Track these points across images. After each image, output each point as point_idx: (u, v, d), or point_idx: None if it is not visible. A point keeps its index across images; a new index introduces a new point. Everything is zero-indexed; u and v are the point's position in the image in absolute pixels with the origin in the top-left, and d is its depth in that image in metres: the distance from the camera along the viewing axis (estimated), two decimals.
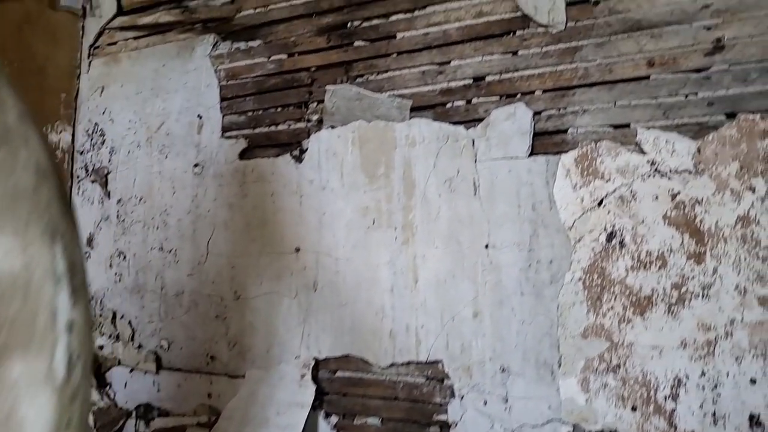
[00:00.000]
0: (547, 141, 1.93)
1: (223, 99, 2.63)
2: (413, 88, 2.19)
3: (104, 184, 2.90)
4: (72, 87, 3.04)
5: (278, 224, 2.37)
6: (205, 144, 2.63)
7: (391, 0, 2.28)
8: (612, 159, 1.79)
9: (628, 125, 1.82)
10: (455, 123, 2.08)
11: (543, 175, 1.88)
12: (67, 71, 3.02)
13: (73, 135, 3.03)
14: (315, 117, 2.36)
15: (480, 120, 2.04)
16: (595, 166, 1.81)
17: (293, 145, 2.43)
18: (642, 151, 1.76)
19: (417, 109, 2.17)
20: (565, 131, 1.91)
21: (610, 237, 1.77)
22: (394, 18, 2.27)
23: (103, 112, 2.96)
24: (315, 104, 2.41)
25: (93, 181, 2.94)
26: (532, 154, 1.93)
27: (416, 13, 2.23)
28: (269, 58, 2.54)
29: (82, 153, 3.00)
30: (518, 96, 2.00)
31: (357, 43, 2.34)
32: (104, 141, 2.94)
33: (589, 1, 1.90)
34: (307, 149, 2.35)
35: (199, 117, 2.67)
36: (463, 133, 2.03)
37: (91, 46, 3.06)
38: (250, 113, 2.56)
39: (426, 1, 2.20)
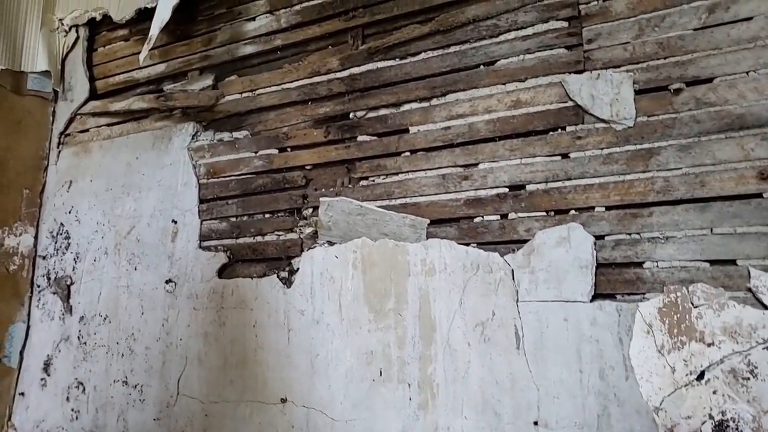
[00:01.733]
0: (615, 277, 1.42)
1: (202, 201, 2.19)
2: (430, 195, 1.72)
3: (66, 297, 2.45)
4: (36, 182, 2.64)
5: (261, 364, 1.87)
6: (179, 255, 2.18)
7: (402, 86, 1.84)
8: (715, 313, 1.27)
9: (734, 262, 1.30)
10: (486, 245, 1.59)
11: (613, 329, 1.36)
12: (32, 164, 2.64)
13: (36, 236, 2.61)
14: (309, 230, 1.89)
15: (520, 243, 1.54)
16: (690, 321, 1.29)
17: (282, 262, 1.96)
18: (762, 304, 1.23)
19: (435, 223, 1.69)
20: (641, 264, 1.40)
21: (721, 429, 1.22)
22: (406, 107, 1.83)
23: (69, 211, 2.55)
24: (310, 211, 1.95)
25: (54, 293, 2.49)
26: (596, 296, 1.42)
27: (434, 101, 1.78)
28: (257, 152, 2.11)
29: (44, 258, 2.57)
30: (572, 213, 1.50)
31: (361, 138, 1.89)
32: (69, 245, 2.51)
33: (668, 89, 1.43)
34: (297, 270, 1.87)
35: (174, 222, 2.22)
36: (499, 262, 1.53)
37: (61, 133, 2.68)
38: (233, 219, 2.11)
39: (446, 87, 1.75)
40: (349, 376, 1.70)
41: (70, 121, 2.67)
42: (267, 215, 2.05)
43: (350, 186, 1.88)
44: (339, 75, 1.98)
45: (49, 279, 2.54)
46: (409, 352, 1.61)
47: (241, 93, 2.21)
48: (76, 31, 2.72)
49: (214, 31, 2.33)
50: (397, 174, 1.80)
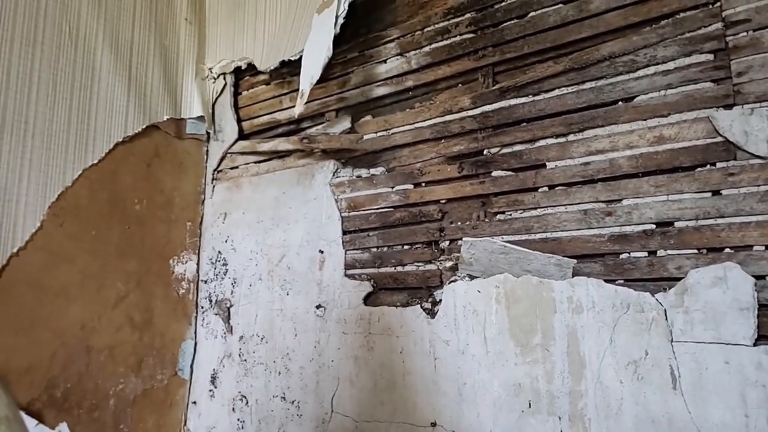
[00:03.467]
0: None
1: (345, 232, 2.32)
2: (572, 230, 1.71)
3: (227, 319, 2.69)
4: (197, 215, 2.92)
5: (409, 389, 1.96)
6: (327, 283, 2.32)
7: (537, 122, 1.84)
8: None
9: None
10: (635, 282, 1.56)
11: None
12: (192, 199, 2.91)
13: (198, 263, 2.89)
14: (448, 263, 1.94)
15: (670, 281, 1.50)
16: None
17: (422, 291, 2.03)
18: None
19: (579, 258, 1.68)
20: None
21: None
22: (542, 143, 1.82)
23: (226, 240, 2.79)
24: (447, 243, 2.00)
25: (216, 314, 2.74)
26: (760, 339, 1.35)
27: (571, 137, 1.76)
28: (393, 188, 2.20)
29: (206, 282, 2.84)
30: (726, 251, 1.44)
31: (496, 173, 1.92)
32: (227, 271, 2.75)
33: None
34: (440, 302, 1.94)
35: (321, 252, 2.37)
36: (650, 302, 1.50)
37: (214, 170, 2.94)
38: (374, 250, 2.22)
39: (584, 124, 1.73)
40: (497, 405, 1.74)
41: (222, 159, 2.92)
42: (406, 247, 2.13)
43: (486, 220, 1.91)
44: (471, 113, 2.02)
45: (210, 301, 2.79)
46: (558, 386, 1.62)
47: (376, 132, 2.30)
48: (224, 78, 2.96)
49: (348, 74, 2.44)
50: (535, 209, 1.80)
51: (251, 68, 2.80)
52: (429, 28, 2.20)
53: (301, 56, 2.33)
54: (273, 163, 2.68)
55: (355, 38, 2.44)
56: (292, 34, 2.46)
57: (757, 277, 1.37)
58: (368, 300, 2.17)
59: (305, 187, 2.49)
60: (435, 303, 1.95)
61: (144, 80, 2.74)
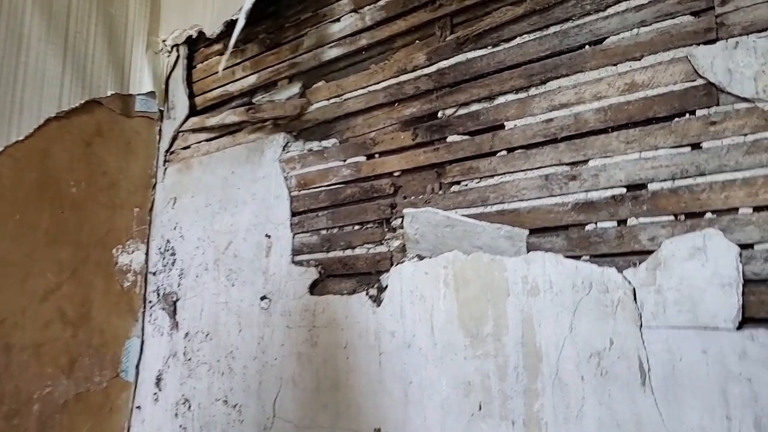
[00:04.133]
0: None
1: (293, 213, 2.14)
2: (532, 200, 1.51)
3: (172, 314, 2.53)
4: (146, 200, 2.77)
5: (353, 390, 1.77)
6: (273, 271, 2.15)
7: (496, 76, 1.65)
8: None
9: None
10: (601, 258, 1.36)
11: None
12: (142, 183, 2.77)
13: (147, 253, 2.73)
14: (397, 243, 1.76)
15: (643, 254, 1.30)
16: None
17: (372, 276, 1.85)
18: None
19: (539, 232, 1.48)
20: None
21: None
22: (501, 100, 1.63)
23: (175, 228, 2.64)
24: (399, 221, 1.82)
25: (162, 309, 2.59)
26: (745, 322, 1.14)
27: (532, 91, 1.57)
28: (345, 161, 2.02)
29: (155, 274, 2.68)
30: (707, 217, 1.24)
31: (451, 138, 1.73)
32: (175, 261, 2.59)
33: None
34: (386, 287, 1.75)
35: (268, 236, 2.20)
36: (617, 279, 1.29)
37: (166, 151, 2.79)
38: (323, 232, 2.04)
39: (546, 74, 1.54)
40: (445, 408, 1.54)
41: (174, 138, 2.77)
42: (356, 227, 1.95)
43: (441, 192, 1.72)
44: (426, 71, 1.83)
45: (158, 295, 2.64)
46: (511, 384, 1.42)
47: (328, 99, 2.13)
48: (177, 51, 2.81)
49: (301, 36, 2.28)
50: (492, 177, 1.61)
51: (204, 38, 2.65)
52: None
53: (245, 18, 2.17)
54: (224, 140, 2.52)
55: None
56: None
57: (743, 246, 1.17)
58: (314, 289, 2.00)
59: (254, 165, 2.33)
60: (381, 289, 1.77)
61: (84, 51, 2.60)
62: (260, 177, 2.30)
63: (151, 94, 2.80)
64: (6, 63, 2.36)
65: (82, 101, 2.58)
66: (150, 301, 2.67)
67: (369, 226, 1.90)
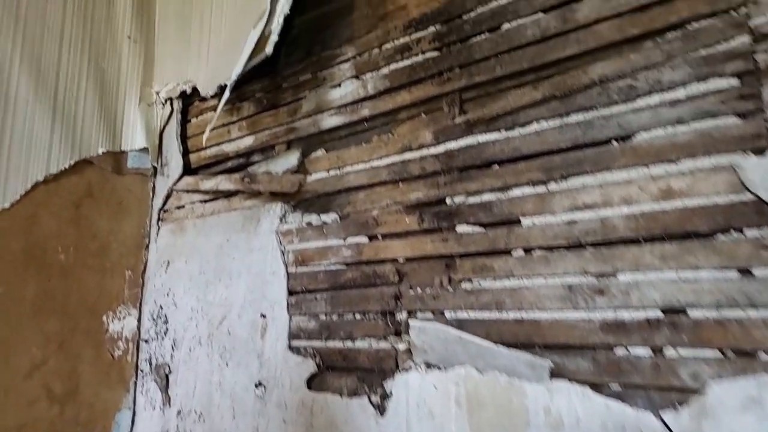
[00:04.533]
0: None
1: (291, 293, 1.98)
2: (553, 310, 1.34)
3: (165, 387, 2.36)
4: (138, 261, 2.61)
5: None
6: (268, 355, 1.98)
7: (510, 165, 1.48)
8: None
9: None
10: (634, 389, 1.18)
11: None
12: (134, 243, 2.61)
13: (139, 319, 2.57)
14: (402, 346, 1.58)
15: (683, 392, 1.12)
16: None
17: (375, 375, 1.67)
18: None
19: (561, 349, 1.31)
20: None
21: None
22: (516, 192, 1.46)
23: (168, 293, 2.47)
24: (404, 315, 1.64)
25: (155, 381, 2.42)
26: None
27: (552, 186, 1.40)
28: (345, 239, 1.85)
29: (147, 341, 2.52)
30: (762, 357, 1.06)
31: (461, 229, 1.56)
32: (167, 330, 2.43)
33: None
34: (391, 395, 1.57)
35: (263, 316, 2.03)
36: (655, 427, 1.11)
37: (160, 209, 2.63)
38: (322, 317, 1.87)
39: (568, 169, 1.37)
40: None
41: (168, 196, 2.61)
42: (357, 316, 1.77)
43: (450, 288, 1.55)
44: (433, 150, 1.67)
45: (150, 364, 2.47)
46: None
47: (328, 170, 1.97)
48: (171, 104, 2.66)
49: (299, 99, 2.12)
50: (507, 278, 1.44)
51: (198, 92, 2.50)
52: (388, 45, 1.86)
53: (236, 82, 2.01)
54: (219, 204, 2.36)
55: (308, 57, 2.13)
56: (232, 54, 2.15)
57: None
58: (313, 382, 1.82)
59: (250, 234, 2.17)
60: (385, 396, 1.59)
61: (74, 109, 2.45)
62: (256, 248, 2.13)
63: (144, 149, 2.65)
64: None
65: (72, 162, 2.42)
66: (142, 370, 2.50)
67: (371, 316, 1.73)
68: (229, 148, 2.38)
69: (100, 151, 2.52)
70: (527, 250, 1.41)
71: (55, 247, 2.36)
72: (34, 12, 2.35)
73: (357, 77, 1.93)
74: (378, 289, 1.73)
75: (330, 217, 1.94)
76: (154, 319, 2.51)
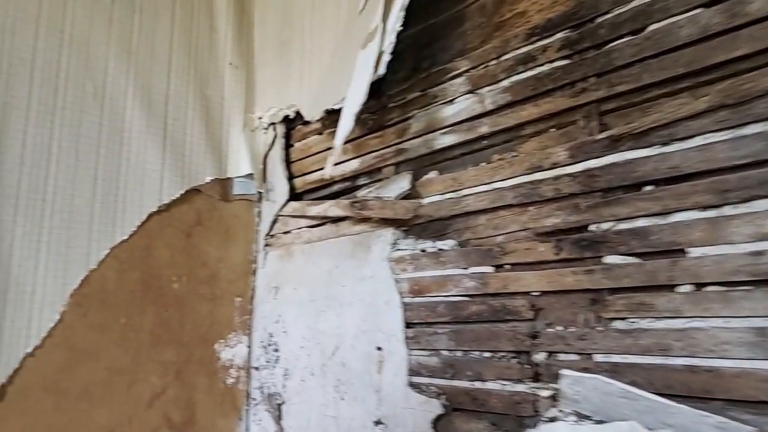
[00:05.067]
0: None
1: (407, 325, 1.84)
2: (739, 359, 1.11)
3: (278, 418, 2.30)
4: (247, 288, 2.57)
5: None
6: (387, 391, 1.85)
7: (671, 188, 1.27)
8: None
9: None
10: None
11: None
12: (242, 270, 2.57)
13: (249, 346, 2.52)
14: (545, 392, 1.40)
15: None
16: None
17: (510, 421, 1.49)
18: None
19: (754, 405, 1.08)
20: None
21: None
22: (679, 217, 1.25)
23: (277, 321, 2.41)
24: (543, 356, 1.46)
25: (267, 411, 2.36)
26: None
27: (727, 210, 1.17)
28: (467, 269, 1.70)
29: (258, 369, 2.47)
30: None
31: (610, 259, 1.35)
32: (278, 359, 2.36)
33: None
34: None
35: (379, 349, 1.91)
36: None
37: (266, 235, 2.59)
38: (444, 353, 1.72)
39: (748, 190, 1.14)
40: None
41: (274, 222, 2.56)
42: (485, 354, 1.61)
43: (599, 327, 1.35)
44: (569, 170, 1.48)
45: (262, 392, 2.41)
46: None
47: (442, 193, 1.82)
48: (274, 129, 2.61)
49: (408, 119, 1.99)
50: (673, 318, 1.22)
51: (301, 116, 2.43)
52: (507, 56, 1.69)
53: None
54: (326, 229, 2.27)
55: (415, 74, 1.99)
56: (337, 76, 2.06)
57: None
58: (439, 424, 1.67)
59: (360, 261, 2.06)
60: None
61: (182, 138, 2.46)
62: (367, 276, 2.02)
63: (249, 175, 2.61)
64: (109, 162, 2.23)
65: (182, 191, 2.42)
66: (254, 398, 2.45)
67: (502, 355, 1.56)
68: (334, 172, 2.28)
69: (208, 179, 2.51)
70: (698, 286, 1.19)
71: (169, 277, 2.36)
72: (144, 43, 2.37)
73: (473, 92, 1.77)
74: (509, 325, 1.56)
75: (447, 244, 1.78)
76: (264, 347, 2.45)
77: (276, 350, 2.38)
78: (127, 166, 2.29)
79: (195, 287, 2.43)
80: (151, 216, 2.33)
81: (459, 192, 1.76)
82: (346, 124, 1.76)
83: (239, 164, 2.61)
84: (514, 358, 1.53)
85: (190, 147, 2.47)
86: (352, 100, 1.74)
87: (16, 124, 2.03)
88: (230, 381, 2.46)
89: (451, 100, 1.84)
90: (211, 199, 2.53)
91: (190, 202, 2.46)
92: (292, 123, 2.57)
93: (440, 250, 1.79)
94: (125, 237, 2.24)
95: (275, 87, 2.59)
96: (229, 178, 2.59)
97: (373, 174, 2.13)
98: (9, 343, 1.94)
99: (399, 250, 1.93)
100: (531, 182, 1.56)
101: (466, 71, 1.81)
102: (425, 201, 1.86)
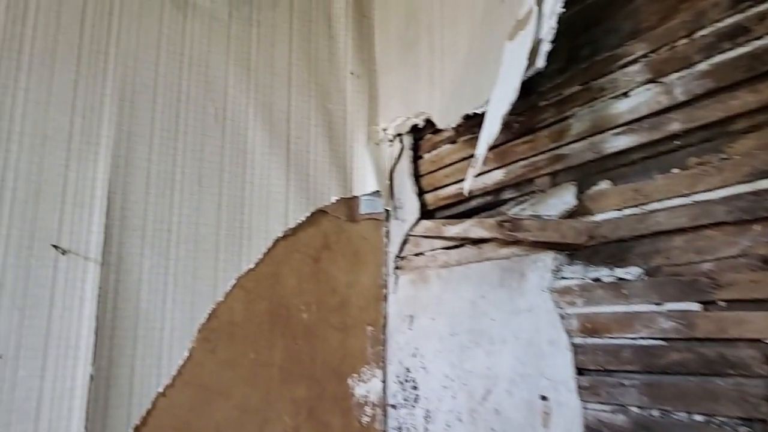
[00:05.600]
0: None
1: (580, 371, 1.52)
2: None
3: None
4: (378, 315, 2.36)
5: None
6: None
7: None
8: None
9: None
10: None
11: None
12: (372, 296, 2.37)
13: (384, 381, 2.31)
14: None
15: None
16: None
17: None
18: None
19: None
20: None
21: None
22: None
23: (414, 354, 2.18)
24: None
25: None
26: None
27: None
28: (661, 305, 1.35)
29: (395, 408, 2.25)
30: None
31: None
32: (417, 398, 2.13)
33: None
34: None
35: (544, 399, 1.60)
36: None
37: (396, 256, 2.37)
38: (634, 411, 1.38)
39: None
40: None
41: (403, 243, 2.33)
42: (696, 417, 1.25)
43: None
44: None
45: None
46: None
47: (620, 209, 1.48)
48: (400, 141, 2.40)
49: (566, 119, 1.67)
50: None
51: (431, 124, 2.19)
52: (702, 32, 1.33)
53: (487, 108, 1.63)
54: (466, 252, 2.00)
55: (572, 64, 1.67)
56: (476, 76, 1.78)
57: None
58: None
59: (512, 291, 1.76)
60: None
61: (306, 156, 2.31)
62: (523, 309, 1.72)
63: (376, 192, 2.41)
64: (233, 186, 2.13)
65: (308, 213, 2.27)
66: None
67: (724, 422, 1.19)
68: (474, 185, 2.01)
69: (333, 199, 2.34)
70: None
71: (297, 306, 2.21)
72: (263, 59, 2.26)
73: (655, 81, 1.42)
74: (732, 381, 1.19)
75: (630, 272, 1.44)
76: (401, 383, 2.23)
77: (414, 387, 2.15)
78: (251, 189, 2.18)
79: (325, 316, 2.26)
80: (277, 241, 2.20)
81: (644, 206, 1.42)
82: (491, 129, 1.48)
83: (365, 181, 2.42)
84: (742, 425, 1.16)
85: (314, 166, 2.32)
86: (500, 101, 1.46)
87: (141, 152, 1.98)
88: (366, 420, 2.26)
89: (625, 93, 1.50)
90: (337, 220, 2.36)
91: (316, 225, 2.31)
92: (419, 133, 2.34)
93: (621, 279, 1.46)
94: (251, 265, 2.13)
95: (401, 94, 2.37)
96: (355, 197, 2.41)
97: (521, 186, 1.84)
98: (141, 383, 1.87)
99: (563, 278, 1.61)
100: (754, 192, 1.19)
101: (644, 56, 1.46)
102: (597, 218, 1.53)
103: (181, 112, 2.08)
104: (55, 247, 1.75)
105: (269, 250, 2.17)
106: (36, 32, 1.87)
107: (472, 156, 2.00)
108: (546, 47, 1.37)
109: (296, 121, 2.31)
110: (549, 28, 1.37)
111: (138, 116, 1.99)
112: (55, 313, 1.75)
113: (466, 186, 1.60)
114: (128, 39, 2.02)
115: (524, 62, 1.39)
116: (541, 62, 1.39)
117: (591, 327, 1.51)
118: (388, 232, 2.42)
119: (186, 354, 1.95)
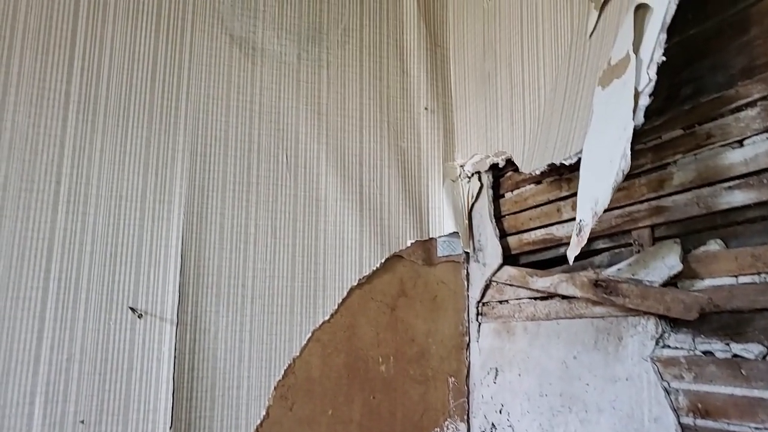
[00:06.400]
0: None
1: None
2: None
3: None
4: (460, 364, 2.27)
5: None
6: None
7: None
8: None
9: None
10: None
11: None
12: (453, 344, 2.28)
13: None
14: None
15: None
16: None
17: None
18: None
19: None
20: None
21: None
22: None
23: (500, 410, 2.07)
24: None
25: None
26: None
27: None
28: None
29: None
30: None
31: None
32: None
33: None
34: None
35: None
36: None
37: (478, 302, 2.27)
38: None
39: None
40: None
41: (485, 288, 2.23)
42: None
43: None
44: None
45: None
46: None
47: (735, 275, 1.31)
48: (479, 179, 2.29)
49: (666, 166, 1.51)
50: None
51: (512, 161, 2.08)
52: None
53: (579, 161, 1.50)
54: (556, 305, 1.87)
55: (672, 104, 1.52)
56: (563, 121, 1.66)
57: None
58: None
59: (608, 356, 1.62)
60: None
61: (379, 200, 2.26)
62: (620, 377, 1.57)
63: (454, 234, 2.32)
64: (307, 236, 2.11)
65: (384, 259, 2.22)
66: None
67: None
68: (560, 232, 1.89)
69: (409, 242, 2.27)
70: None
71: (375, 358, 2.16)
72: (334, 101, 2.23)
73: None
74: None
75: (749, 350, 1.27)
76: None
77: None
78: (325, 238, 2.15)
79: (404, 368, 2.19)
80: (351, 290, 2.15)
81: (765, 275, 1.25)
82: (598, 196, 1.34)
83: (442, 222, 2.34)
84: None
85: (388, 209, 2.26)
86: (603, 159, 1.32)
87: (214, 207, 1.99)
88: None
89: (740, 141, 1.33)
90: (414, 265, 2.28)
91: (392, 271, 2.25)
92: (499, 170, 2.23)
93: (737, 356, 1.29)
94: (327, 318, 2.10)
95: (479, 129, 2.27)
96: (431, 239, 2.33)
97: (616, 237, 1.69)
98: None
99: (667, 347, 1.46)
100: None
101: (762, 98, 1.29)
102: (705, 284, 1.37)
103: (253, 162, 2.08)
104: (132, 309, 1.79)
105: (344, 300, 2.14)
106: (110, 92, 1.93)
107: (559, 199, 1.89)
108: (644, 101, 1.24)
109: (369, 164, 2.27)
110: (647, 80, 1.23)
111: (210, 170, 2.01)
112: (134, 376, 1.78)
113: (570, 255, 1.47)
114: (198, 91, 2.04)
115: (629, 119, 1.26)
116: (639, 119, 1.25)
117: (703, 408, 1.35)
118: (468, 275, 2.33)
119: (263, 413, 1.94)
